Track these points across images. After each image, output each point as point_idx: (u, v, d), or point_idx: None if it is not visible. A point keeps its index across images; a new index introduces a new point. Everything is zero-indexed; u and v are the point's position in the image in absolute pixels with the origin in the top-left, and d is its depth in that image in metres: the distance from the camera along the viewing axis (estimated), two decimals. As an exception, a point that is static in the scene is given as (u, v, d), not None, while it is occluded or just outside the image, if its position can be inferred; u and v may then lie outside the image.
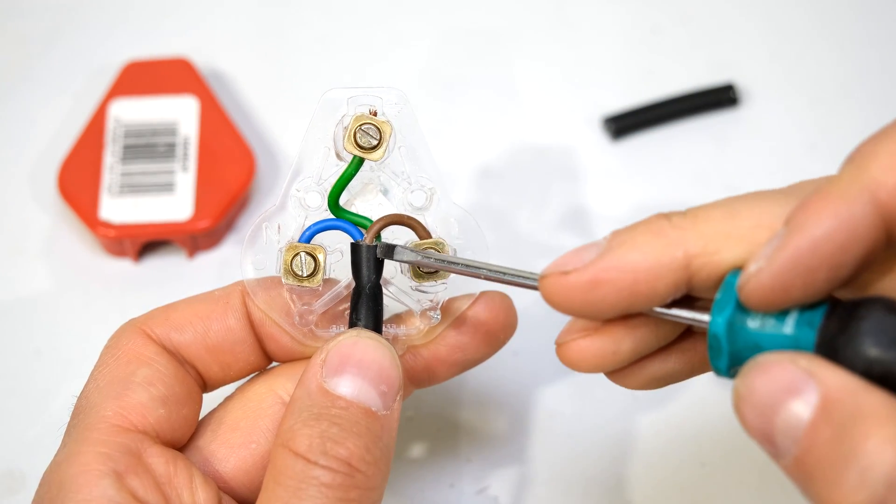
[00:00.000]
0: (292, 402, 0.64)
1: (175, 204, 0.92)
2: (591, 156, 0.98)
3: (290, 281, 0.69)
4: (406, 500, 0.83)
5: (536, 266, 0.90)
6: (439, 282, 0.70)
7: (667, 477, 0.84)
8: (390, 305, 0.71)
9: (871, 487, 0.50)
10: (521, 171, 0.97)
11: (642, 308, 0.60)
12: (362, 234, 0.69)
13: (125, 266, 0.93)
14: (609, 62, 1.02)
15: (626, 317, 0.61)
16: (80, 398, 0.68)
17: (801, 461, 0.53)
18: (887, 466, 0.50)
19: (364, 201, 0.71)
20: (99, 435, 0.65)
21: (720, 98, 0.99)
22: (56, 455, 0.66)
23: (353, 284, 0.68)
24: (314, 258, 0.69)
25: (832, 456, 0.52)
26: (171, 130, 0.95)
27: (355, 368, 0.64)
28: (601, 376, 0.86)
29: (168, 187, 0.93)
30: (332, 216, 0.70)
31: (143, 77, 0.97)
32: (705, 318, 0.58)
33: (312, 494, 0.61)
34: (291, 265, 0.69)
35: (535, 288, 0.61)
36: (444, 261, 0.67)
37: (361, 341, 0.65)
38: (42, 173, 0.96)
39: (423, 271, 0.70)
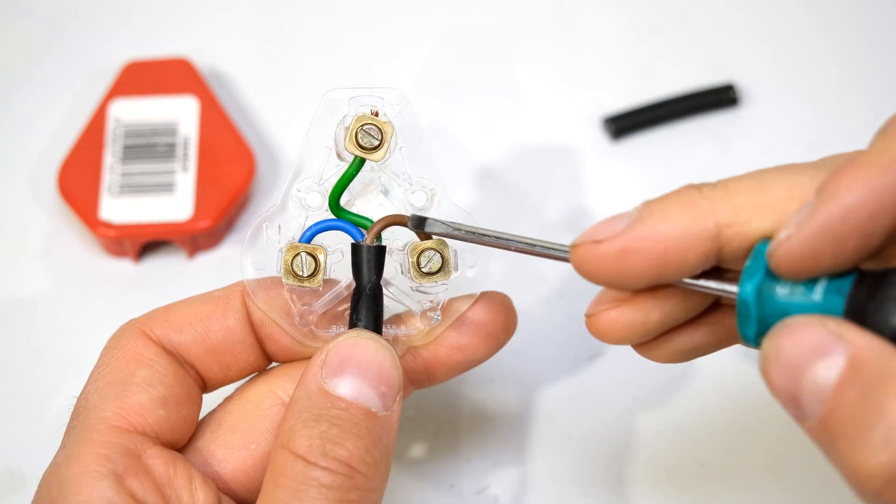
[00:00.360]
0: (292, 402, 0.64)
1: (175, 204, 0.92)
2: (591, 156, 0.97)
3: (291, 281, 0.69)
4: (406, 501, 0.83)
5: (537, 265, 0.90)
6: (439, 282, 0.70)
7: (667, 477, 0.84)
8: (390, 306, 0.71)
9: None
10: (521, 172, 0.96)
11: (672, 278, 0.60)
12: (363, 235, 0.69)
13: (125, 266, 0.93)
14: (609, 62, 1.02)
15: (656, 288, 0.61)
16: (79, 399, 0.68)
17: (826, 422, 0.53)
18: None
19: (365, 202, 0.71)
20: (98, 436, 0.65)
21: (720, 98, 0.99)
22: (56, 456, 0.66)
23: (354, 285, 0.68)
24: (315, 258, 0.69)
25: (858, 416, 0.52)
26: (171, 130, 0.95)
27: (355, 369, 0.64)
28: (601, 378, 0.87)
29: (168, 187, 0.93)
30: (333, 216, 0.70)
31: (143, 77, 0.97)
32: (734, 288, 0.59)
33: (312, 496, 0.61)
34: (292, 265, 0.69)
35: (565, 259, 0.62)
36: (474, 233, 0.67)
37: (361, 342, 0.65)
38: (42, 173, 0.96)
39: (424, 272, 0.70)
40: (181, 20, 1.04)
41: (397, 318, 0.72)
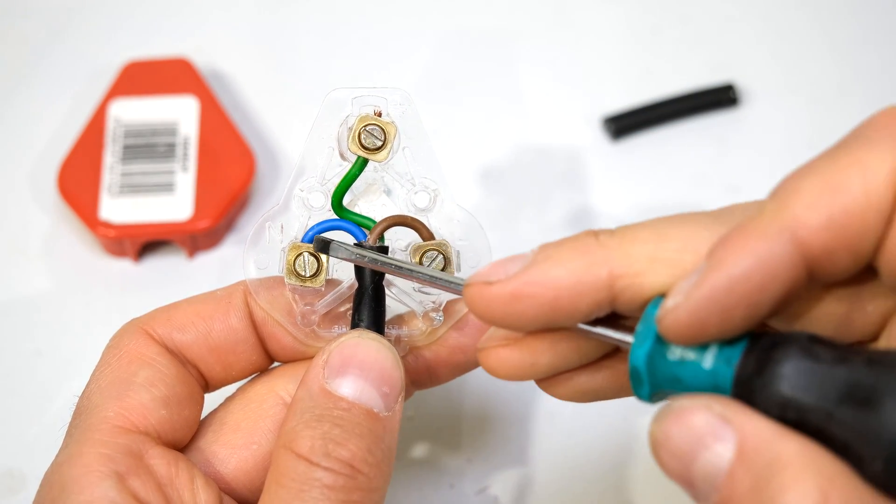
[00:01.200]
0: (294, 403, 0.64)
1: (175, 204, 0.92)
2: (591, 156, 0.98)
3: (293, 281, 0.69)
4: (406, 501, 0.83)
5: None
6: (442, 283, 0.70)
7: (667, 477, 0.83)
8: (393, 306, 0.71)
9: None
10: (521, 172, 0.97)
11: (564, 324, 0.59)
12: (366, 235, 0.69)
13: (125, 266, 0.93)
14: (609, 62, 1.02)
15: (549, 330, 0.61)
16: (81, 398, 0.68)
17: None
18: None
19: (367, 202, 0.71)
20: (100, 436, 0.65)
21: (720, 98, 0.99)
22: (57, 456, 0.65)
23: (356, 285, 0.68)
24: (317, 258, 0.69)
25: None
26: (171, 130, 0.95)
27: (357, 370, 0.64)
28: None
29: (168, 187, 0.93)
30: (336, 216, 0.70)
31: (143, 77, 0.97)
32: (629, 339, 0.58)
33: (315, 496, 0.61)
34: (294, 265, 0.69)
35: (460, 294, 0.61)
36: (377, 261, 0.66)
37: (363, 342, 0.65)
38: (42, 173, 0.96)
39: (427, 272, 0.70)
40: (181, 20, 1.04)
41: (399, 319, 0.72)
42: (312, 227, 0.70)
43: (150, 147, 0.94)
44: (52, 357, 0.89)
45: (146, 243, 0.93)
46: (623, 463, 0.84)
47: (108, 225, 0.91)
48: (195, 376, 0.70)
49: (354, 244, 0.68)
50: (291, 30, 1.04)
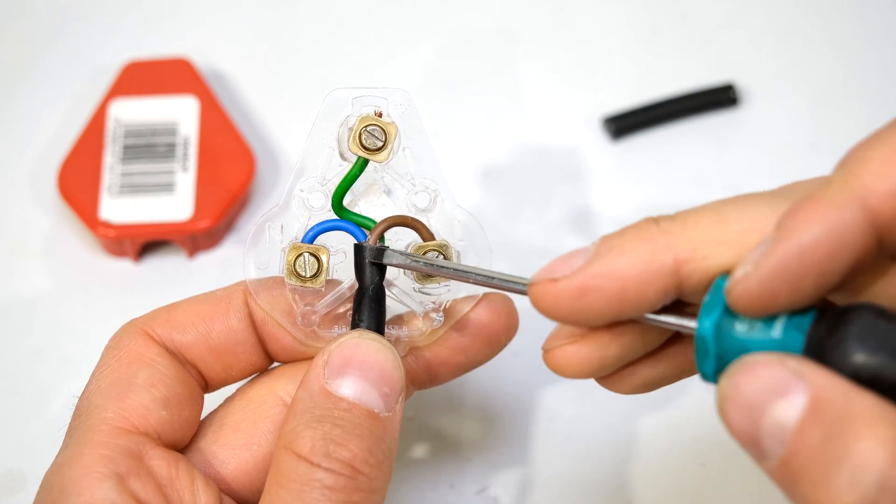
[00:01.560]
0: (294, 403, 0.64)
1: (175, 204, 0.92)
2: (591, 156, 0.97)
3: (294, 281, 0.69)
4: (406, 501, 0.83)
5: (536, 267, 0.90)
6: (442, 284, 0.70)
7: (667, 478, 0.84)
8: (393, 307, 0.71)
9: (863, 488, 0.50)
10: (521, 172, 0.97)
11: (631, 315, 0.59)
12: (366, 235, 0.69)
13: (125, 266, 0.93)
14: (609, 62, 1.02)
15: (613, 323, 0.60)
16: (81, 399, 0.68)
17: (789, 463, 0.52)
18: (879, 467, 0.50)
19: (368, 202, 0.71)
20: (100, 437, 0.65)
21: (720, 98, 0.99)
22: (57, 456, 0.65)
23: (357, 285, 0.68)
24: (317, 259, 0.69)
25: (822, 457, 0.51)
26: (171, 130, 0.95)
27: (358, 370, 0.64)
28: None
29: (168, 187, 0.93)
30: (336, 217, 0.70)
31: (143, 77, 0.97)
32: (693, 324, 0.58)
33: (315, 497, 0.61)
34: (295, 265, 0.69)
35: (524, 293, 0.61)
36: (434, 265, 0.67)
37: (364, 343, 0.65)
38: (42, 173, 0.96)
39: (427, 273, 0.70)
40: (181, 20, 1.04)
41: (399, 319, 0.72)
42: (313, 228, 0.70)
43: (150, 147, 0.94)
44: (51, 357, 0.89)
45: (146, 243, 0.93)
46: (623, 463, 0.84)
47: (108, 225, 0.91)
48: (195, 377, 0.70)
49: (406, 252, 0.68)
50: (291, 30, 1.04)
